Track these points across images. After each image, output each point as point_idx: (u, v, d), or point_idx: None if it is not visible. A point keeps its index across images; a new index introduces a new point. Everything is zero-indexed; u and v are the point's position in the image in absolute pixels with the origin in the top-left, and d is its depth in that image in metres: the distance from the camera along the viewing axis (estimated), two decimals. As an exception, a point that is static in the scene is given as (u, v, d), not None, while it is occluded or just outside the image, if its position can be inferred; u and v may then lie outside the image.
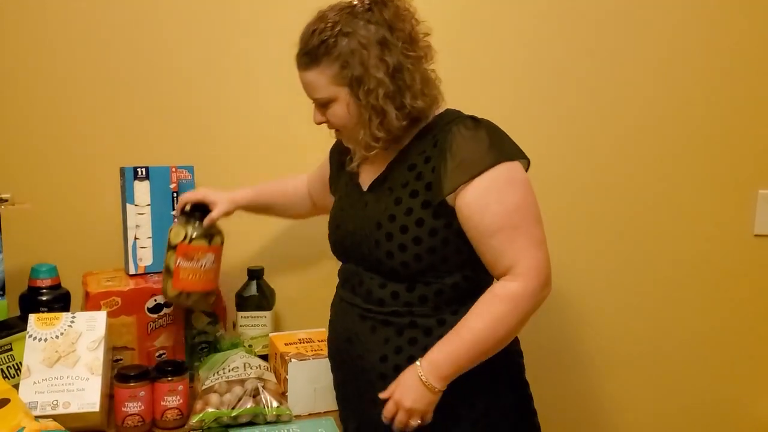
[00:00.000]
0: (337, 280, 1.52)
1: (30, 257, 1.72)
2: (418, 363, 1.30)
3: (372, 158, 1.40)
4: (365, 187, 1.43)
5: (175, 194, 1.75)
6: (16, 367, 1.51)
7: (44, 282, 1.66)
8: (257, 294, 1.79)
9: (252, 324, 1.78)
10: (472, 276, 1.35)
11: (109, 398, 1.52)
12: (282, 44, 1.86)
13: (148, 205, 1.72)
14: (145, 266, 1.73)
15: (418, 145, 1.36)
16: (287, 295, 1.90)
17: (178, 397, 1.50)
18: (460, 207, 1.28)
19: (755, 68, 1.89)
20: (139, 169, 1.71)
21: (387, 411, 1.32)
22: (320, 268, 1.95)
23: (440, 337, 1.31)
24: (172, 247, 1.55)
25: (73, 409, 1.39)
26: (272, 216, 1.79)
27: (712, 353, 2.01)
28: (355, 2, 1.32)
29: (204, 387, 1.53)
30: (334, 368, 1.52)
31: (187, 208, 1.57)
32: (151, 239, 1.73)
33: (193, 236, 1.54)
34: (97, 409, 1.40)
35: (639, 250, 1.97)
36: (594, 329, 2.01)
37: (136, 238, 1.71)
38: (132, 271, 1.72)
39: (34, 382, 1.40)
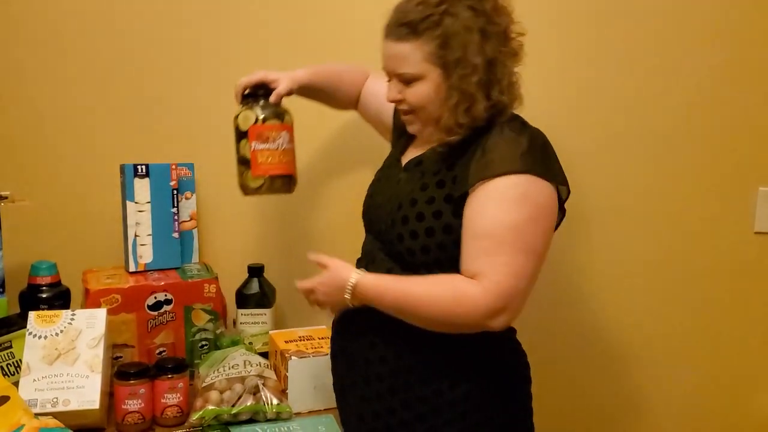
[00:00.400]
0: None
1: (30, 254, 1.72)
2: (353, 280, 1.31)
3: (419, 140, 1.41)
4: (403, 165, 1.43)
5: (175, 191, 1.75)
6: (16, 365, 1.51)
7: (44, 279, 1.65)
8: (258, 291, 1.79)
9: (252, 321, 1.78)
10: None
11: (109, 396, 1.52)
12: (282, 42, 1.87)
13: (148, 202, 1.72)
14: (145, 264, 1.72)
15: (462, 139, 1.33)
16: (288, 292, 1.89)
17: (178, 395, 1.50)
18: (468, 200, 1.26)
19: (755, 65, 1.89)
20: (139, 167, 1.71)
21: (302, 286, 1.40)
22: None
23: (433, 340, 1.30)
24: (242, 134, 1.49)
25: (72, 406, 1.39)
26: (319, 102, 1.69)
27: (711, 350, 2.01)
28: None
29: (204, 384, 1.53)
30: (334, 350, 1.51)
31: (246, 92, 1.51)
32: (151, 236, 1.73)
33: (264, 116, 1.48)
34: (96, 406, 1.40)
35: (639, 248, 1.97)
36: (591, 326, 2.01)
37: (136, 236, 1.71)
38: (132, 268, 1.71)
39: (34, 380, 1.40)
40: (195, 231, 1.82)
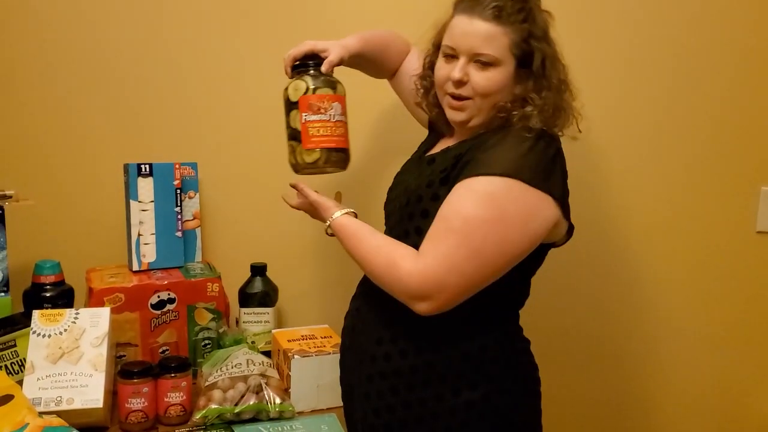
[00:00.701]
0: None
1: (34, 254, 1.73)
2: (338, 214, 1.38)
3: (447, 140, 1.41)
4: (421, 159, 1.43)
5: (178, 190, 1.75)
6: (20, 364, 1.51)
7: (48, 278, 1.66)
8: (260, 290, 1.79)
9: (255, 320, 1.79)
10: (482, 293, 1.26)
11: (113, 394, 1.52)
12: (285, 41, 1.86)
13: (152, 201, 1.72)
14: (149, 263, 1.73)
15: (477, 137, 1.33)
16: (290, 291, 1.90)
17: (182, 394, 1.51)
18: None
19: (757, 65, 1.89)
20: (142, 166, 1.71)
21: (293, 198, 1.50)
22: (323, 265, 1.95)
23: (439, 343, 1.30)
24: (292, 105, 1.42)
25: (76, 405, 1.39)
26: (360, 70, 1.63)
27: (714, 350, 2.01)
28: None
29: (207, 383, 1.54)
30: (342, 343, 1.51)
31: (296, 63, 1.45)
32: (154, 236, 1.73)
33: (315, 86, 1.41)
34: (100, 405, 1.40)
35: (640, 247, 1.97)
36: (593, 326, 2.01)
37: (139, 235, 1.72)
38: (135, 267, 1.72)
39: (38, 379, 1.41)
40: (198, 230, 1.83)
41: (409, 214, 1.33)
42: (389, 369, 1.35)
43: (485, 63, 1.28)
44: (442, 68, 1.35)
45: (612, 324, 2.01)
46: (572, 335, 2.01)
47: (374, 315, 1.39)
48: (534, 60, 1.28)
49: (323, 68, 1.42)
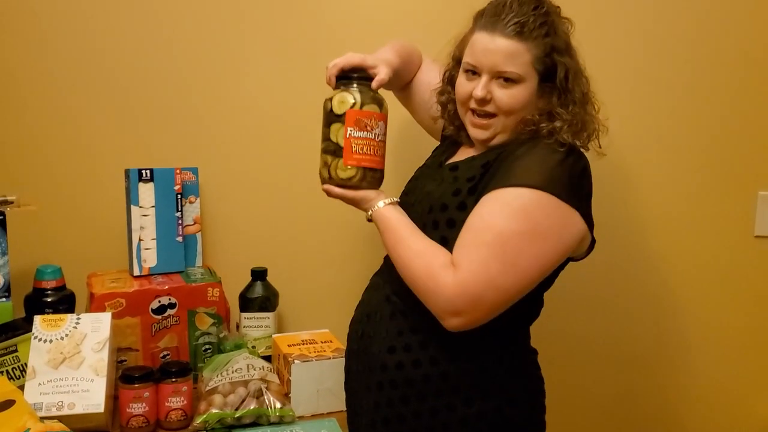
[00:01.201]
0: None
1: (35, 259, 1.74)
2: (381, 204, 1.33)
3: (466, 149, 1.40)
4: (441, 167, 1.41)
5: (179, 195, 1.76)
6: (22, 369, 1.52)
7: (49, 283, 1.67)
8: (261, 295, 1.80)
9: (255, 325, 1.79)
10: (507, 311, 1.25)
11: (114, 399, 1.53)
12: (286, 47, 1.87)
13: (153, 206, 1.73)
14: (150, 267, 1.74)
15: (502, 146, 1.33)
16: (291, 296, 1.91)
17: (182, 398, 1.51)
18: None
19: (755, 69, 1.90)
20: (143, 171, 1.72)
21: (329, 189, 1.38)
22: (324, 269, 1.95)
23: (453, 354, 1.29)
24: (336, 118, 1.36)
25: (77, 410, 1.39)
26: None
27: (712, 354, 2.01)
28: (554, 6, 1.32)
29: (208, 388, 1.54)
30: (348, 338, 1.50)
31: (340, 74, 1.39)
32: (155, 240, 1.74)
33: (363, 101, 1.34)
34: (101, 410, 1.41)
35: (639, 251, 1.98)
36: (592, 329, 2.01)
37: (140, 240, 1.72)
38: (136, 272, 1.73)
39: (39, 384, 1.41)
40: (199, 235, 1.83)
41: (434, 222, 1.31)
42: (401, 378, 1.33)
43: (508, 80, 1.27)
44: (463, 85, 1.34)
45: (609, 328, 2.01)
46: (570, 339, 2.01)
47: (387, 323, 1.37)
48: (557, 74, 1.28)
49: (374, 85, 1.37)
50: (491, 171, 1.29)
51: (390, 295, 1.38)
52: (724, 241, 1.97)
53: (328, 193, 1.39)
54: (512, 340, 1.35)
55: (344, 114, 1.34)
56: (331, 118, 1.36)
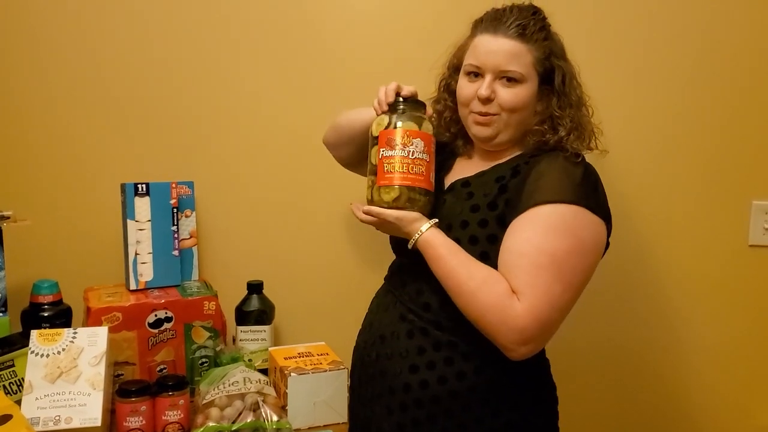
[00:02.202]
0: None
1: (31, 273, 1.74)
2: (421, 232, 1.29)
3: (466, 162, 1.42)
4: (446, 186, 1.41)
5: (175, 209, 1.76)
6: (18, 383, 1.52)
7: (46, 298, 1.67)
8: (257, 308, 1.80)
9: (252, 338, 1.80)
10: None
11: (111, 413, 1.53)
12: (281, 61, 1.89)
13: (149, 220, 1.73)
14: (146, 282, 1.74)
15: (514, 160, 1.35)
16: (287, 309, 1.91)
17: (179, 412, 1.51)
18: (513, 221, 1.25)
19: (749, 78, 1.91)
20: (139, 185, 1.72)
21: (369, 210, 1.32)
22: (320, 282, 1.96)
23: (479, 366, 1.29)
24: (374, 140, 1.35)
25: (74, 424, 1.39)
26: None
27: (708, 363, 2.01)
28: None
29: (204, 401, 1.54)
30: (355, 365, 1.49)
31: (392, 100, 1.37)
32: (151, 255, 1.74)
33: (398, 121, 1.33)
34: (98, 424, 1.40)
35: (633, 261, 1.98)
36: (587, 337, 2.02)
37: (136, 254, 1.73)
38: (133, 286, 1.73)
39: (36, 398, 1.41)
40: (195, 249, 1.84)
41: (455, 239, 1.30)
42: (427, 397, 1.32)
43: (511, 79, 1.31)
44: (465, 87, 1.37)
45: (604, 337, 2.02)
46: (566, 348, 2.01)
47: (406, 343, 1.35)
48: (555, 77, 1.33)
49: (428, 111, 1.39)
50: (512, 188, 1.30)
51: (405, 313, 1.37)
52: (719, 250, 1.97)
53: (370, 215, 1.33)
54: None
55: (378, 135, 1.34)
56: (372, 141, 1.36)
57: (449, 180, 1.43)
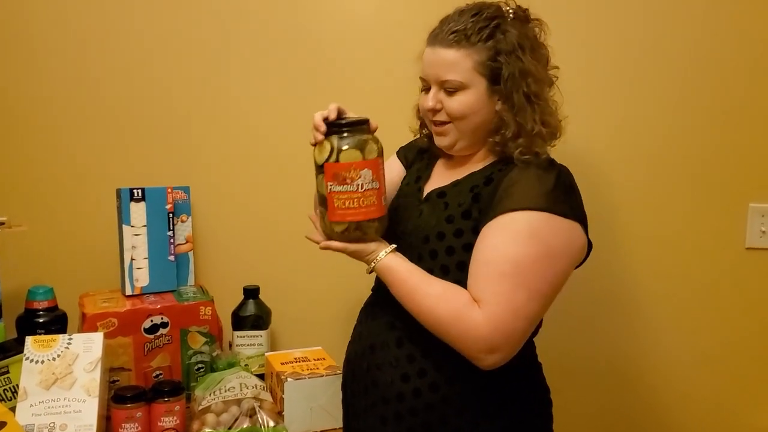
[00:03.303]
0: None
1: (27, 279, 1.73)
2: (379, 258, 1.29)
3: (443, 169, 1.41)
4: (424, 195, 1.41)
5: (171, 214, 1.76)
6: (13, 390, 1.51)
7: (41, 304, 1.66)
8: (253, 313, 1.80)
9: (248, 343, 1.79)
10: None
11: (106, 420, 1.52)
12: (277, 66, 1.89)
13: (144, 226, 1.73)
14: (141, 287, 1.73)
15: (488, 169, 1.33)
16: (283, 314, 1.91)
17: (175, 418, 1.51)
18: (483, 229, 1.25)
19: (746, 81, 1.91)
20: (135, 191, 1.72)
21: (326, 245, 1.32)
22: (316, 287, 1.95)
23: (470, 370, 1.26)
24: (319, 169, 1.31)
25: (70, 431, 1.39)
26: None
27: (704, 366, 2.01)
28: (503, 10, 1.32)
29: (201, 407, 1.54)
30: (347, 377, 1.49)
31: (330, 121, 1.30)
32: (147, 260, 1.74)
33: (342, 149, 1.27)
34: (94, 430, 1.40)
35: (629, 264, 1.98)
36: (582, 342, 2.01)
37: (132, 259, 1.72)
38: (128, 291, 1.72)
39: (31, 405, 1.40)
40: (191, 254, 1.83)
41: (431, 251, 1.31)
42: (420, 405, 1.31)
43: (453, 89, 1.30)
44: (421, 99, 1.37)
45: (599, 341, 2.01)
46: (560, 353, 2.01)
47: (396, 351, 1.35)
48: (501, 76, 1.28)
49: (373, 124, 1.32)
50: (484, 196, 1.29)
51: (393, 321, 1.36)
52: (716, 253, 1.97)
53: (326, 249, 1.34)
54: (523, 352, 1.33)
55: (323, 166, 1.29)
56: (317, 168, 1.32)
57: (427, 189, 1.42)
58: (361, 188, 1.27)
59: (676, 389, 2.03)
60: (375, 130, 1.33)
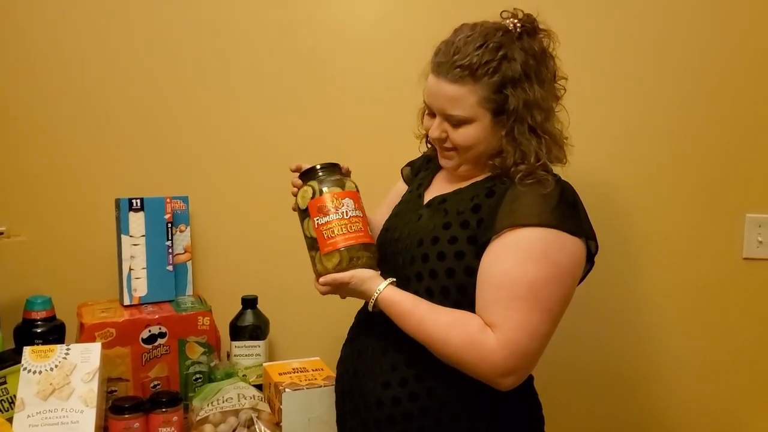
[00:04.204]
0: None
1: (25, 289, 1.73)
2: (379, 291, 1.29)
3: (445, 177, 1.41)
4: (425, 201, 1.41)
5: (169, 224, 1.76)
6: (10, 401, 1.51)
7: (39, 314, 1.66)
8: (251, 323, 1.80)
9: (246, 354, 1.79)
10: None
11: (104, 430, 1.52)
12: (276, 77, 1.89)
13: (143, 235, 1.73)
14: (140, 297, 1.73)
15: (490, 180, 1.33)
16: (281, 324, 1.90)
17: (173, 428, 1.51)
18: (490, 246, 1.24)
19: (744, 90, 1.91)
20: (133, 200, 1.72)
21: (325, 281, 1.33)
22: (314, 297, 1.93)
23: (451, 382, 1.27)
24: (304, 214, 1.35)
25: (67, 441, 1.39)
26: None
27: (703, 375, 2.01)
28: (510, 27, 1.28)
29: (198, 418, 1.54)
30: (338, 381, 1.49)
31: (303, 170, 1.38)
32: (145, 270, 1.74)
33: (323, 189, 1.34)
34: (91, 441, 1.40)
35: (627, 275, 1.99)
36: (579, 352, 2.01)
37: (130, 269, 1.72)
38: (127, 301, 1.72)
39: (29, 416, 1.40)
40: (189, 263, 1.83)
41: (423, 255, 1.30)
42: (399, 414, 1.31)
43: (457, 122, 1.29)
44: (426, 121, 1.36)
45: (597, 351, 2.01)
46: (557, 363, 2.01)
47: (380, 359, 1.35)
48: (507, 109, 1.26)
49: (333, 175, 1.37)
50: (484, 208, 1.28)
51: (381, 329, 1.36)
52: (713, 263, 1.97)
53: (324, 286, 1.35)
54: None
55: (308, 206, 1.34)
56: (301, 215, 1.37)
57: (428, 196, 1.42)
58: (346, 215, 1.32)
59: (674, 398, 2.02)
60: (348, 172, 1.40)
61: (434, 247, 1.30)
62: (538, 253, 1.20)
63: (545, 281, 1.20)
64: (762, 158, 1.93)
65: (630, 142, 1.94)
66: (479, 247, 1.25)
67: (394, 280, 1.32)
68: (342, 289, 1.34)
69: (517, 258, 1.21)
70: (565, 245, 1.22)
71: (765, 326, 1.98)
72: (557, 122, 1.33)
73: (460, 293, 1.27)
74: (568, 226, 1.23)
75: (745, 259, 1.97)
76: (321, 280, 1.34)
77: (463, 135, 1.29)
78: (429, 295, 1.29)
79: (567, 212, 1.24)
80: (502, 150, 1.29)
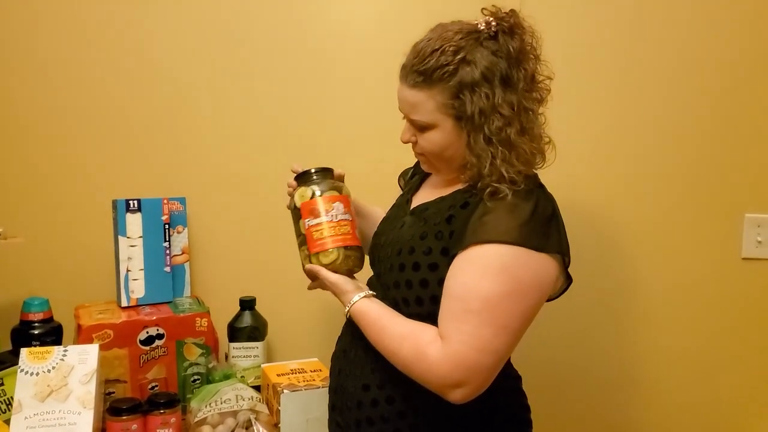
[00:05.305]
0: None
1: (22, 291, 1.73)
2: (356, 299, 1.32)
3: (432, 183, 1.40)
4: (412, 207, 1.39)
5: (167, 225, 1.76)
6: (8, 402, 1.50)
7: (36, 316, 1.65)
8: (249, 325, 1.79)
9: (244, 355, 1.78)
10: None
11: (102, 432, 1.52)
12: (275, 77, 1.89)
13: (140, 237, 1.73)
14: (137, 298, 1.73)
15: (469, 190, 1.29)
16: (279, 325, 1.90)
17: (171, 430, 1.50)
18: (455, 259, 1.22)
19: (741, 92, 1.92)
20: (131, 202, 1.72)
21: (311, 268, 1.38)
22: (312, 298, 1.94)
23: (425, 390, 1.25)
24: (296, 212, 1.43)
25: (65, 443, 1.38)
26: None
27: (701, 376, 2.01)
28: (482, 26, 1.23)
29: (196, 419, 1.53)
30: (330, 377, 1.48)
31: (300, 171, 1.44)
32: (143, 271, 1.73)
33: (318, 193, 1.40)
34: (89, 443, 1.39)
35: (625, 275, 1.98)
36: (576, 353, 2.01)
37: (128, 270, 1.72)
38: (124, 303, 1.72)
39: (26, 417, 1.40)
40: (187, 265, 1.83)
41: (400, 264, 1.30)
42: (377, 415, 1.31)
43: (420, 128, 1.28)
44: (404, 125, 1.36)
45: (595, 352, 2.01)
46: (554, 365, 2.01)
47: (360, 360, 1.36)
48: (466, 113, 1.22)
49: (328, 179, 1.42)
50: (458, 219, 1.26)
51: (360, 332, 1.36)
52: (712, 263, 1.97)
53: (311, 275, 1.40)
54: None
55: (301, 207, 1.41)
56: (296, 214, 1.43)
57: (416, 201, 1.41)
58: (335, 218, 1.38)
59: (674, 399, 2.02)
60: (341, 177, 1.46)
61: (410, 257, 1.29)
62: (496, 268, 1.17)
63: (501, 297, 1.17)
64: (761, 158, 1.93)
65: (629, 142, 1.94)
66: (451, 258, 1.23)
67: (374, 294, 1.35)
68: (325, 286, 1.40)
69: (476, 272, 1.18)
70: (528, 262, 1.18)
71: (764, 326, 1.98)
72: (536, 126, 1.26)
73: (433, 304, 1.25)
74: (534, 242, 1.18)
75: (744, 259, 1.97)
76: (308, 267, 1.40)
77: (428, 140, 1.28)
78: (405, 304, 1.29)
79: (536, 228, 1.20)
80: (480, 175, 1.24)
